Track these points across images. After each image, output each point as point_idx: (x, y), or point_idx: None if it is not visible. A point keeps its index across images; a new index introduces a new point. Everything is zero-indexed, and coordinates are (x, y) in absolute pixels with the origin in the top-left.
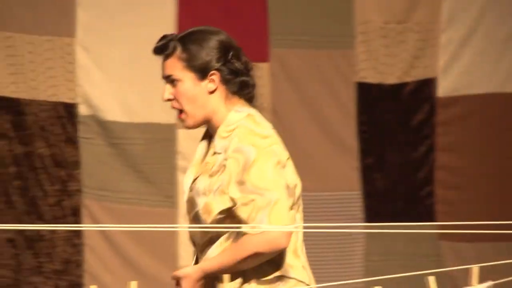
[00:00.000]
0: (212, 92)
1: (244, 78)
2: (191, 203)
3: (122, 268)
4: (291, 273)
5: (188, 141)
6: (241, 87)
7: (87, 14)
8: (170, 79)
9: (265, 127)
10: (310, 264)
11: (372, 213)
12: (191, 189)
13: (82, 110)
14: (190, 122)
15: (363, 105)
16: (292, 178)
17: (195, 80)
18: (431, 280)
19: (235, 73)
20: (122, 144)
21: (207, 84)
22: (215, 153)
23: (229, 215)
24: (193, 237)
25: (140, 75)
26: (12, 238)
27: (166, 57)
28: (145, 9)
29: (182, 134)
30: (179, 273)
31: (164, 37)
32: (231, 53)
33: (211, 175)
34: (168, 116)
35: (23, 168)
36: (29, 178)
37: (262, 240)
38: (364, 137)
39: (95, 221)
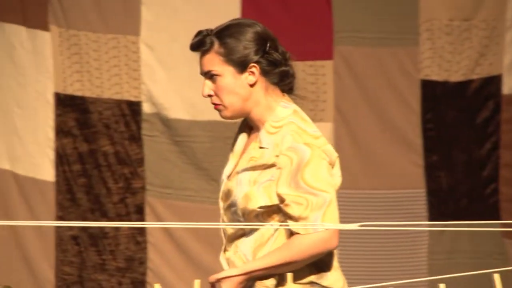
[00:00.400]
0: (252, 85)
1: (283, 68)
2: (227, 192)
3: (185, 265)
4: (325, 281)
5: None
6: (282, 78)
7: (151, 12)
8: (209, 75)
9: (313, 126)
10: (375, 263)
11: (436, 211)
12: (229, 179)
13: (146, 108)
14: (228, 113)
15: (427, 103)
16: (338, 178)
17: (235, 74)
18: (496, 278)
19: (274, 64)
20: (185, 142)
21: (247, 77)
22: (261, 147)
23: (269, 212)
24: (223, 228)
25: None
26: (76, 235)
27: (204, 53)
28: (209, 7)
29: None
30: (219, 275)
31: (199, 32)
32: (268, 44)
33: (255, 168)
34: None
35: (88, 165)
36: (93, 175)
37: (315, 240)
38: (428, 135)
39: (159, 218)
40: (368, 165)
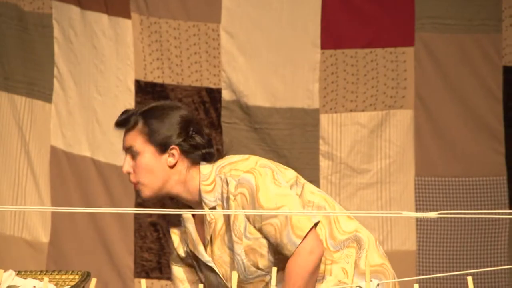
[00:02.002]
0: (172, 166)
1: (206, 150)
2: (225, 265)
3: None
4: (333, 271)
5: (331, 126)
6: (204, 158)
7: (232, 0)
8: (130, 151)
9: (234, 156)
10: (454, 251)
11: None
12: (216, 263)
13: (226, 95)
14: (147, 192)
15: (510, 89)
16: (288, 174)
17: (156, 154)
18: None
19: (196, 147)
20: (265, 129)
21: (167, 158)
22: (211, 208)
23: (273, 250)
24: (238, 277)
25: (283, 60)
26: (155, 222)
27: (127, 130)
28: None
29: (325, 119)
30: None
31: (125, 112)
32: (191, 128)
33: (226, 226)
34: (310, 101)
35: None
36: None
37: (304, 258)
38: (510, 122)
39: None
40: (448, 152)
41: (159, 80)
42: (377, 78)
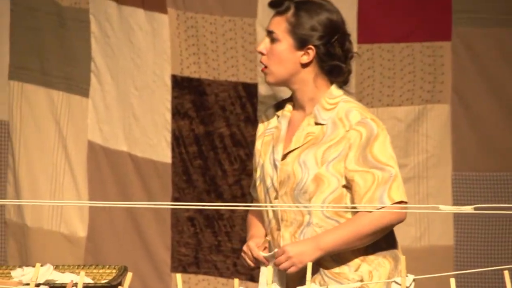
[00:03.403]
0: (304, 65)
1: (338, 63)
2: (287, 177)
3: None
4: (361, 268)
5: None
6: (332, 71)
7: None
8: (270, 35)
9: None
10: (493, 245)
11: None
12: (284, 163)
13: (262, 90)
14: (271, 79)
15: None
16: None
17: (292, 47)
18: None
19: (332, 56)
20: None
21: (301, 55)
22: (317, 123)
23: (338, 198)
24: (282, 213)
25: None
26: (193, 217)
27: (277, 13)
28: None
29: None
30: (289, 251)
31: None
32: (336, 36)
33: (319, 145)
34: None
35: (204, 147)
36: (209, 157)
37: (386, 212)
38: None
39: None
40: (486, 146)
41: (196, 75)
42: (414, 73)
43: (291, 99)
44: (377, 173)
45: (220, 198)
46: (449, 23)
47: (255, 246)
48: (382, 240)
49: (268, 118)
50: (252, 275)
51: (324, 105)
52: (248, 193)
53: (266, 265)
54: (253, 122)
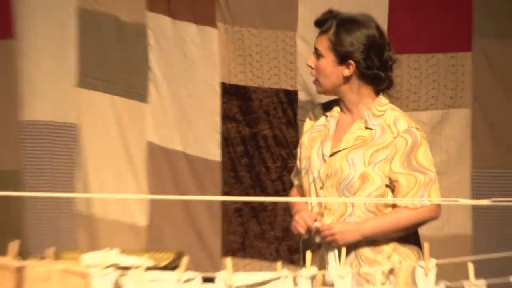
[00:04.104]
0: (346, 77)
1: (377, 72)
2: (334, 170)
3: None
4: (392, 258)
5: None
6: (373, 80)
7: (307, 10)
8: (316, 52)
9: None
10: (508, 240)
11: None
12: (332, 158)
13: (302, 96)
14: (320, 90)
15: None
16: None
17: (334, 63)
18: None
19: (371, 67)
20: None
21: (343, 69)
22: (367, 127)
23: (381, 195)
24: (326, 203)
25: None
26: (240, 208)
27: (321, 32)
28: (360, 3)
29: None
30: (335, 228)
31: (328, 12)
32: (373, 50)
33: (368, 147)
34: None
35: (250, 147)
36: (255, 156)
37: (426, 210)
38: None
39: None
40: (502, 146)
41: (242, 83)
42: (438, 81)
43: (337, 102)
44: (419, 176)
45: (263, 192)
46: (470, 35)
47: (308, 216)
48: (411, 235)
49: (315, 116)
50: (292, 259)
51: (374, 112)
52: (289, 182)
53: (314, 233)
54: (293, 125)
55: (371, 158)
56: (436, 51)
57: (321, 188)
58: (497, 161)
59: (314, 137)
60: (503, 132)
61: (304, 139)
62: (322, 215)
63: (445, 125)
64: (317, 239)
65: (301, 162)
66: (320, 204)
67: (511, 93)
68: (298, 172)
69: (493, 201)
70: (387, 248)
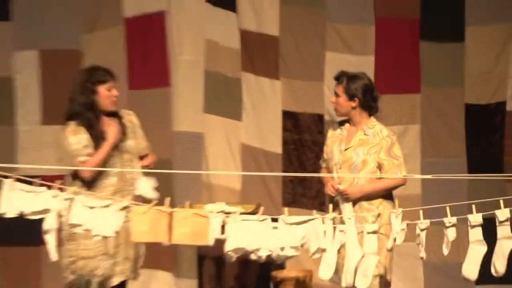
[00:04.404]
0: (353, 108)
1: (371, 104)
2: (349, 159)
3: None
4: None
5: None
6: (368, 108)
7: (330, 68)
8: (336, 94)
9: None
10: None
11: None
12: (346, 152)
13: (326, 117)
14: (338, 114)
15: None
16: None
17: (346, 99)
18: None
19: (367, 101)
20: None
21: (351, 103)
22: (365, 134)
23: (371, 170)
24: (341, 179)
25: None
26: (292, 180)
27: (338, 83)
28: (355, 66)
29: None
30: (348, 190)
31: (342, 72)
32: (368, 93)
33: (366, 145)
34: None
35: (298, 146)
36: (300, 151)
37: (398, 180)
38: None
39: None
40: (438, 146)
41: (294, 109)
42: (402, 109)
43: (347, 121)
44: (395, 161)
45: (305, 170)
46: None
47: (335, 184)
48: (389, 194)
49: (334, 129)
50: (321, 208)
51: (368, 126)
52: (319, 165)
53: (337, 193)
54: (323, 134)
55: (368, 151)
56: (397, 93)
57: (340, 168)
58: (434, 153)
59: (334, 140)
60: (439, 139)
61: (328, 142)
62: (340, 183)
63: (406, 133)
64: (338, 196)
65: (327, 154)
66: (338, 178)
67: (448, 126)
68: (324, 160)
69: (433, 176)
70: (376, 201)
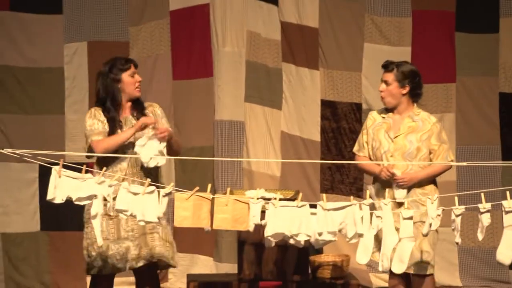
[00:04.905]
0: (403, 95)
1: (419, 91)
2: (401, 146)
3: None
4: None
5: None
6: (415, 95)
7: (368, 56)
8: (385, 82)
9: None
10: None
11: None
12: (396, 140)
13: (364, 106)
14: (387, 104)
15: None
16: None
17: (397, 86)
18: None
19: (415, 89)
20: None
21: (402, 90)
22: (413, 121)
23: (424, 156)
24: (395, 165)
25: None
26: (330, 167)
27: (386, 71)
28: (394, 56)
29: None
30: (404, 176)
31: (389, 61)
32: (417, 78)
33: (417, 132)
34: None
35: (336, 133)
36: (338, 139)
37: (446, 166)
38: None
39: None
40: (481, 133)
41: (332, 99)
42: (438, 97)
43: (387, 109)
44: (445, 146)
45: (343, 158)
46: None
47: (391, 169)
48: (435, 180)
49: (374, 118)
50: (358, 195)
51: (414, 113)
52: (353, 154)
53: (393, 179)
54: (360, 122)
55: (420, 138)
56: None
57: (391, 156)
58: (469, 141)
59: (378, 129)
60: (474, 127)
61: (370, 131)
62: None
63: (442, 121)
64: (392, 182)
65: (368, 143)
66: (389, 164)
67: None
68: (363, 148)
69: (468, 163)
70: (428, 187)
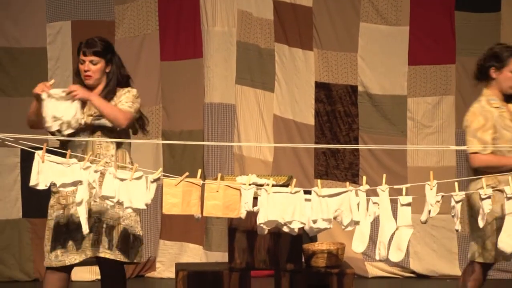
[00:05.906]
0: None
1: None
2: None
3: None
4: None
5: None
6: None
7: (364, 38)
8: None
9: None
10: None
11: None
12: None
13: (360, 88)
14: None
15: None
16: None
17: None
18: None
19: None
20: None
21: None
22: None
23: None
24: None
25: None
26: (324, 151)
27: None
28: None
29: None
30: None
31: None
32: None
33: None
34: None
35: (330, 117)
36: (333, 122)
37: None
38: None
39: None
40: None
41: (326, 80)
42: None
43: (494, 99)
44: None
45: (338, 142)
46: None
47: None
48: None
49: (486, 111)
50: (354, 180)
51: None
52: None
53: None
54: (355, 105)
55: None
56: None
57: None
58: None
59: (498, 121)
60: None
61: (489, 124)
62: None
63: (441, 103)
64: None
65: (495, 135)
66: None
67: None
68: (490, 144)
69: (468, 147)
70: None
